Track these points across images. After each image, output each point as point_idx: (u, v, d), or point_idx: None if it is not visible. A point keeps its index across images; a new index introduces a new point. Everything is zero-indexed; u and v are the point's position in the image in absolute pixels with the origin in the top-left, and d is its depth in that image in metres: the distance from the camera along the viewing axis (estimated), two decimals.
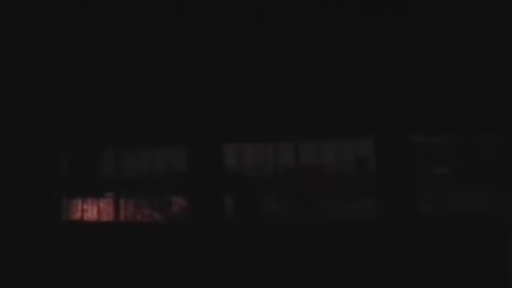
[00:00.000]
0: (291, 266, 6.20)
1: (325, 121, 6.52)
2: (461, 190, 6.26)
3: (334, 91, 6.56)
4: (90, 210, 6.74)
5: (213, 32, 6.61)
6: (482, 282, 5.20)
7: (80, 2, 6.54)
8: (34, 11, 6.57)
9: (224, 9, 6.49)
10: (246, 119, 6.58)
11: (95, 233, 6.61)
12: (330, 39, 6.50)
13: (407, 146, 6.39)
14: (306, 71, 6.58)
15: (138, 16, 6.56)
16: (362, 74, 6.53)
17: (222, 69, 6.68)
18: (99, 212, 6.71)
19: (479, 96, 6.29)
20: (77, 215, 6.81)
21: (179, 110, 6.73)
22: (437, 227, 6.17)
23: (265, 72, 6.60)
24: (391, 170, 6.38)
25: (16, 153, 6.66)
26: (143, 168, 6.66)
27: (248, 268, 6.20)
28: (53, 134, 6.74)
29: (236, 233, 6.39)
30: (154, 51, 6.65)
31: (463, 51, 6.32)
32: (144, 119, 6.69)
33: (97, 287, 5.36)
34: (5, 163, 6.70)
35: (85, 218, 6.76)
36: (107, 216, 6.69)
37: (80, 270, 6.23)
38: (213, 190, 6.51)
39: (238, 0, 6.42)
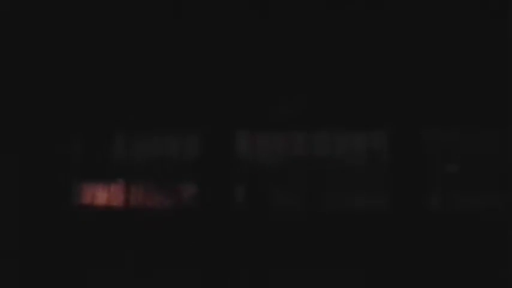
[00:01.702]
0: (296, 254, 6.15)
1: (339, 112, 6.42)
2: (472, 188, 6.19)
3: (348, 82, 6.48)
4: (101, 195, 6.62)
5: (225, 19, 6.67)
6: (488, 279, 5.16)
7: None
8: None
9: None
10: (259, 106, 6.49)
11: (105, 218, 6.54)
12: (344, 29, 6.51)
13: (419, 140, 6.31)
14: (320, 61, 6.52)
15: (146, 4, 6.58)
16: (377, 65, 6.46)
17: (237, 55, 6.60)
18: (109, 197, 6.60)
19: (493, 90, 6.20)
20: (87, 200, 6.67)
21: (192, 95, 6.64)
22: (446, 223, 6.12)
23: (279, 61, 6.54)
24: (403, 163, 6.28)
25: (25, 135, 6.58)
26: (155, 154, 6.55)
27: (254, 255, 6.13)
28: (64, 118, 6.69)
29: (244, 221, 6.33)
30: (166, 38, 6.70)
31: (478, 43, 6.24)
32: (156, 104, 6.60)
33: (106, 272, 5.24)
34: (14, 146, 6.59)
35: (95, 202, 6.62)
36: (117, 201, 6.58)
37: (88, 254, 6.15)
38: (224, 177, 6.44)
39: None
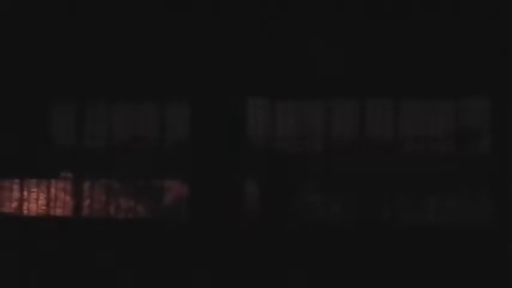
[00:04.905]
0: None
1: (404, 71, 5.31)
2: None
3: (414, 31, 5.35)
4: (35, 197, 5.72)
5: None
6: None
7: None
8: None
9: None
10: (282, 64, 5.50)
11: (40, 231, 5.50)
12: None
13: None
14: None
15: None
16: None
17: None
18: (49, 200, 5.63)
19: None
20: (12, 206, 5.73)
21: (179, 51, 5.61)
22: None
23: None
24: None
25: None
26: (122, 134, 5.58)
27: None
28: None
29: (258, 239, 5.32)
30: None
31: None
32: (125, 61, 5.63)
33: None
34: None
35: (25, 209, 5.67)
36: (62, 207, 5.58)
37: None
38: (228, 170, 5.48)
39: None
